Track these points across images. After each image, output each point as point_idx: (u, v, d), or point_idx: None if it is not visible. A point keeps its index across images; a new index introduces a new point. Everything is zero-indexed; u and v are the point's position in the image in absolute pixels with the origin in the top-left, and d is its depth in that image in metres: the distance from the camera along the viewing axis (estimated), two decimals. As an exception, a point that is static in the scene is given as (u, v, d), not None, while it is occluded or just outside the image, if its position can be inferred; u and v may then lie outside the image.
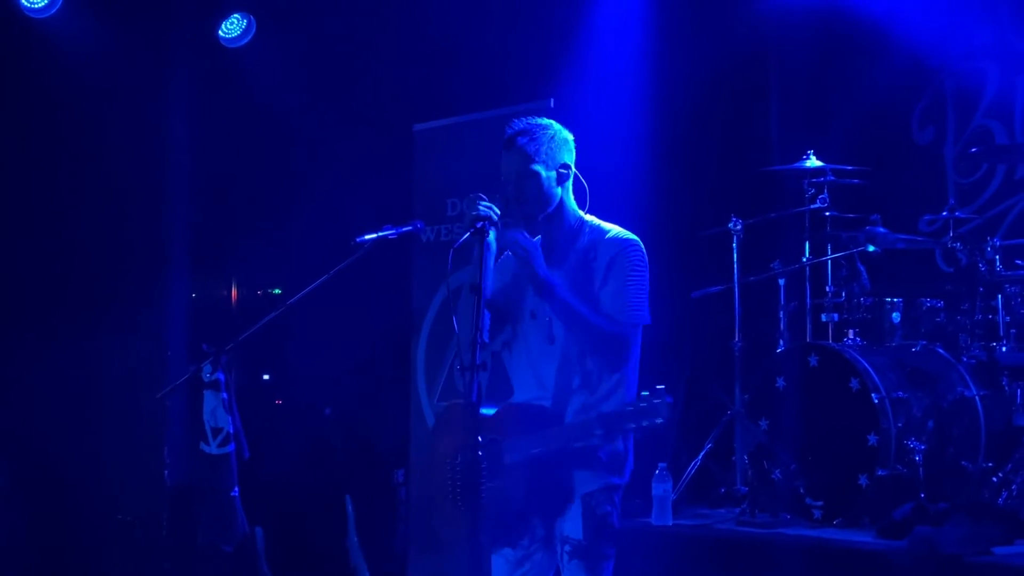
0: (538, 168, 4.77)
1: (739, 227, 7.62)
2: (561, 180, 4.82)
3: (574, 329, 4.69)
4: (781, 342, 7.59)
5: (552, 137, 4.83)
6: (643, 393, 4.43)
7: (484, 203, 4.64)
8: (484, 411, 4.71)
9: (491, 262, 4.68)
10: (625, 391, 4.76)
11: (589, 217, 4.90)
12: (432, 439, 5.08)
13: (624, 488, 4.83)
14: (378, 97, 9.11)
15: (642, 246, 4.80)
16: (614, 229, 4.84)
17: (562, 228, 4.86)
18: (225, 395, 6.17)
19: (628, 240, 4.79)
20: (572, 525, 4.70)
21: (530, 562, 4.80)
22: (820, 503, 6.65)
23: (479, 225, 4.60)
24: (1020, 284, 6.91)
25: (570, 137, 4.87)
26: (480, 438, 4.43)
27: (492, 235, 4.67)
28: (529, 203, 4.79)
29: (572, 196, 4.89)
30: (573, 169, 4.87)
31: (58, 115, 8.83)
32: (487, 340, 4.77)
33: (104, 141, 8.92)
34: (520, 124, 4.83)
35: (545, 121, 4.87)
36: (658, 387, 4.40)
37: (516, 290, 4.89)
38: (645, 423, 4.40)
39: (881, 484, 6.46)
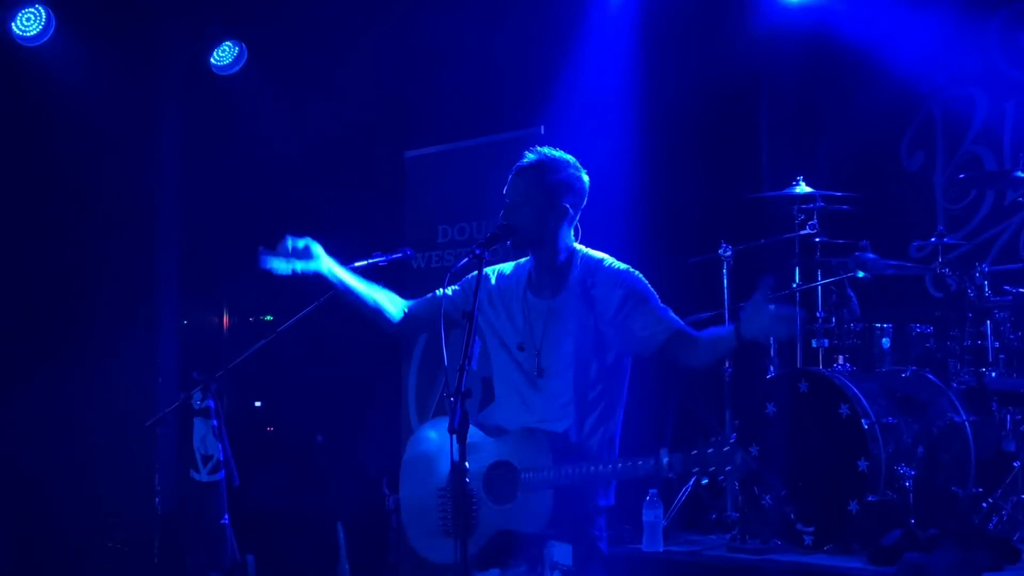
0: (536, 202, 4.79)
1: (729, 253, 7.62)
2: (559, 219, 4.82)
3: None
4: (771, 368, 7.59)
5: (560, 175, 4.83)
6: (713, 439, 4.44)
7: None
8: (491, 433, 4.78)
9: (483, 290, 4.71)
10: (607, 419, 4.82)
11: (580, 247, 4.93)
12: (422, 450, 5.05)
13: (610, 511, 4.84)
14: (369, 124, 9.13)
15: (639, 274, 4.86)
16: (607, 258, 4.89)
17: (554, 261, 4.87)
18: (215, 422, 6.16)
19: (628, 273, 4.84)
20: (562, 551, 4.70)
21: None
22: (811, 529, 6.64)
23: (477, 251, 4.63)
24: (1009, 310, 6.93)
25: (586, 178, 4.88)
26: (491, 461, 4.60)
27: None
28: (517, 232, 4.81)
29: (572, 234, 4.91)
30: (575, 211, 4.88)
31: (49, 142, 8.85)
32: (475, 367, 4.78)
33: (96, 168, 8.94)
34: (538, 155, 4.85)
35: (565, 158, 4.87)
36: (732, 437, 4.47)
37: (506, 319, 4.91)
38: (712, 468, 4.42)
39: (871, 510, 6.45)
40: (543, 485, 4.62)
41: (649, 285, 4.85)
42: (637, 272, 4.86)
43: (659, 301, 4.82)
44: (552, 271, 4.89)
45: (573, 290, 4.85)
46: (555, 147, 4.94)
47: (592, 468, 4.64)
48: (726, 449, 4.39)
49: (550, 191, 4.81)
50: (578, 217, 4.92)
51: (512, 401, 4.88)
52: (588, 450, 4.75)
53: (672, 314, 4.80)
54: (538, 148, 4.88)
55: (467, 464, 4.30)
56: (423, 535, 4.90)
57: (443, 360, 4.51)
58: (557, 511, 4.63)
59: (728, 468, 4.39)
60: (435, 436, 4.98)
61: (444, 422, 4.93)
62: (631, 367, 4.92)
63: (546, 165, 4.83)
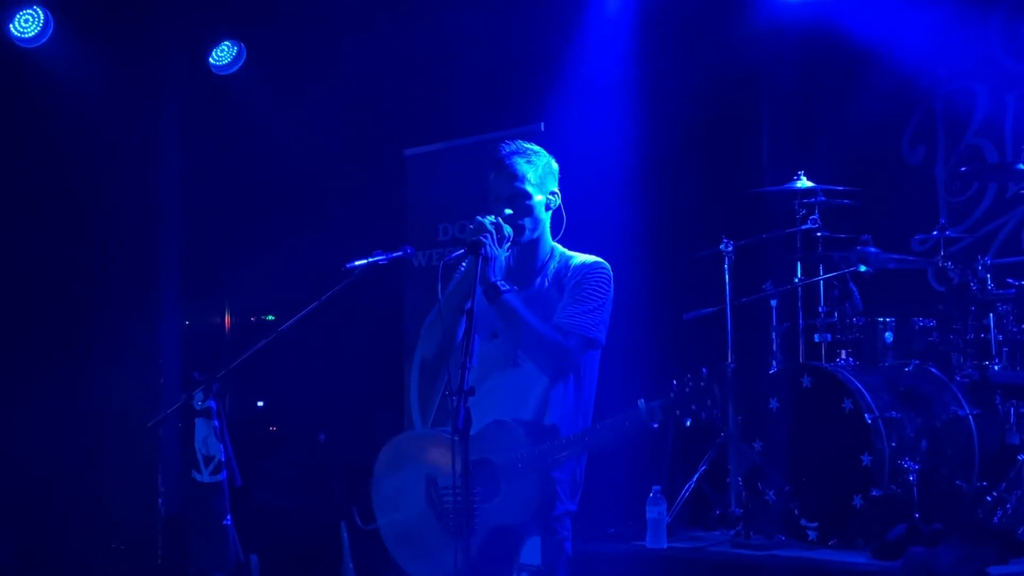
0: (531, 189, 4.79)
1: (731, 248, 7.60)
2: (548, 206, 4.84)
3: (517, 333, 4.68)
4: (774, 363, 7.59)
5: (545, 163, 4.87)
6: (688, 376, 4.44)
7: (489, 219, 4.64)
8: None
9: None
10: (574, 409, 4.77)
11: (559, 246, 4.92)
12: (387, 472, 5.00)
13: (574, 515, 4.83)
14: (369, 122, 9.12)
15: (609, 269, 4.82)
16: (580, 256, 4.87)
17: (534, 254, 4.88)
18: (217, 423, 6.16)
19: (595, 263, 4.82)
20: (529, 552, 4.68)
21: None
22: (815, 524, 6.64)
23: (478, 238, 4.60)
24: (1012, 303, 6.91)
25: (556, 167, 4.89)
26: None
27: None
28: (520, 223, 4.79)
29: (549, 225, 4.90)
30: (558, 199, 4.88)
31: (49, 143, 8.84)
32: (475, 364, 4.75)
33: (96, 168, 8.93)
34: (512, 146, 4.85)
35: (536, 147, 4.90)
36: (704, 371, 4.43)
37: (479, 308, 4.88)
38: (694, 407, 4.42)
39: (875, 505, 6.45)
40: (529, 468, 4.57)
41: (604, 283, 4.78)
42: (604, 267, 4.80)
43: (594, 303, 4.73)
44: (534, 261, 4.88)
45: (551, 280, 4.84)
46: (556, 143, 4.94)
47: (577, 436, 4.62)
48: (703, 384, 4.39)
49: (544, 177, 4.84)
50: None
51: (481, 391, 4.82)
52: (564, 436, 4.71)
53: (584, 320, 4.71)
54: (509, 143, 4.88)
55: (439, 469, 4.28)
56: (413, 559, 4.85)
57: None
58: (543, 495, 4.60)
59: (708, 402, 4.38)
60: (392, 461, 4.94)
61: (392, 447, 4.98)
62: (600, 364, 4.90)
63: (531, 152, 4.85)
